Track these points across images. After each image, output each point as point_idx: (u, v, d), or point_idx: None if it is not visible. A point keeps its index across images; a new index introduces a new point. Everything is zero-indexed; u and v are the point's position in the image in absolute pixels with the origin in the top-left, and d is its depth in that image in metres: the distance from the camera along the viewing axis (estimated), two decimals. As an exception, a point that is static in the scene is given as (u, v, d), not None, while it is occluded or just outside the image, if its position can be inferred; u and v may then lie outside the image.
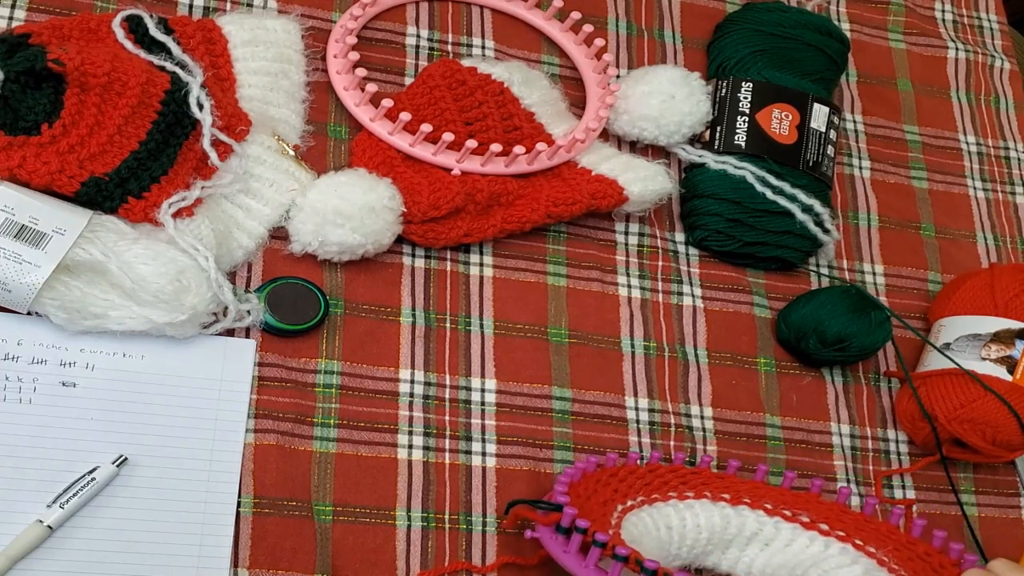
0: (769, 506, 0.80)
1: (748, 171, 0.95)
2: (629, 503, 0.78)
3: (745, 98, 0.98)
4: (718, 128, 0.98)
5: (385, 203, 0.83)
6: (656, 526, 0.78)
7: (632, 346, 0.92)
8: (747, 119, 0.97)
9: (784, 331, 0.95)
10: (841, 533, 0.81)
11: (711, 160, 0.97)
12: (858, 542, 0.80)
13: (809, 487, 0.80)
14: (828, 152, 0.99)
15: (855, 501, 0.91)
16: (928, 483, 0.95)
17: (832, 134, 1.00)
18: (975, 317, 0.95)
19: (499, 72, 0.92)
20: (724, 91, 0.99)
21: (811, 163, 0.98)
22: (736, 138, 0.97)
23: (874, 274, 1.03)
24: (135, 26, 0.84)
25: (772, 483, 0.88)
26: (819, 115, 0.98)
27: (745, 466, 0.89)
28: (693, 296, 0.96)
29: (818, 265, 1.01)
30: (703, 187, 0.97)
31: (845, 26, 1.15)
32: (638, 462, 0.85)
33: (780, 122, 0.97)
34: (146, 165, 0.80)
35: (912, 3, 1.20)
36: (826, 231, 0.97)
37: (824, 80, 1.02)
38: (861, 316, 0.92)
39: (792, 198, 0.95)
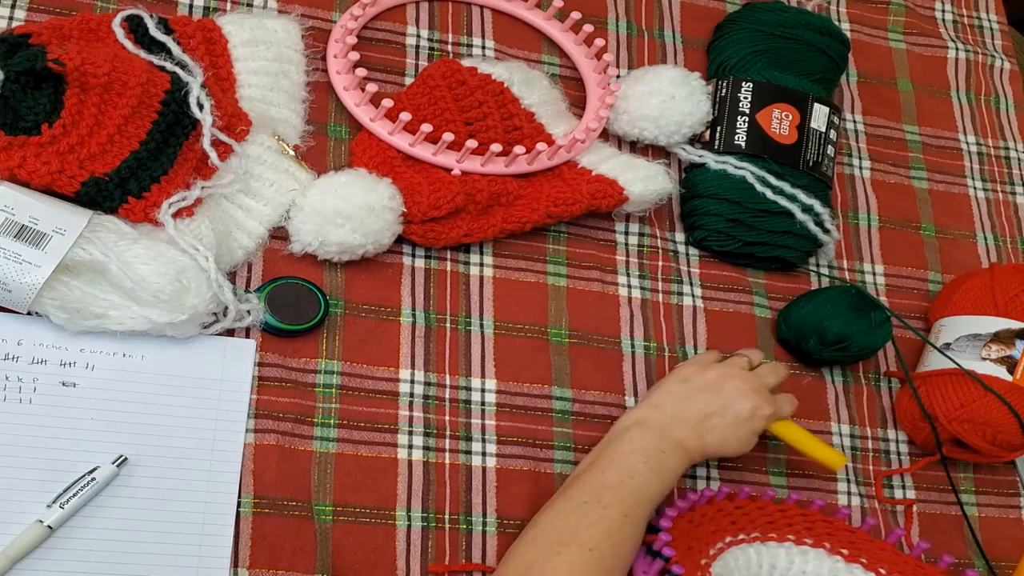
0: (883, 571, 0.80)
1: (748, 171, 0.95)
2: (741, 536, 0.79)
3: (745, 98, 0.98)
4: (718, 128, 0.98)
5: (385, 203, 0.83)
6: (760, 563, 0.79)
7: (632, 346, 0.92)
8: (747, 119, 0.97)
9: (784, 331, 0.95)
10: None
11: (711, 160, 0.97)
12: None
13: (937, 562, 0.81)
14: (828, 152, 0.99)
15: (856, 502, 0.92)
16: (928, 483, 0.95)
17: (832, 134, 1.00)
18: (975, 317, 0.95)
19: (499, 72, 0.92)
20: (724, 91, 0.99)
21: (811, 163, 0.98)
22: (736, 138, 0.97)
23: (874, 274, 1.03)
24: (135, 26, 0.84)
25: (775, 483, 0.88)
26: (819, 115, 0.98)
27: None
28: (693, 296, 0.96)
29: (818, 265, 1.01)
30: (703, 187, 0.97)
31: (845, 26, 1.15)
32: (773, 499, 0.85)
33: (780, 122, 0.97)
34: (146, 165, 0.80)
35: (912, 3, 1.20)
36: (826, 231, 0.97)
37: (824, 80, 1.02)
38: (861, 316, 0.92)
39: (792, 198, 0.95)
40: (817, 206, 0.96)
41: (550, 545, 0.73)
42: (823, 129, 0.99)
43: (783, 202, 0.95)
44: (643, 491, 0.77)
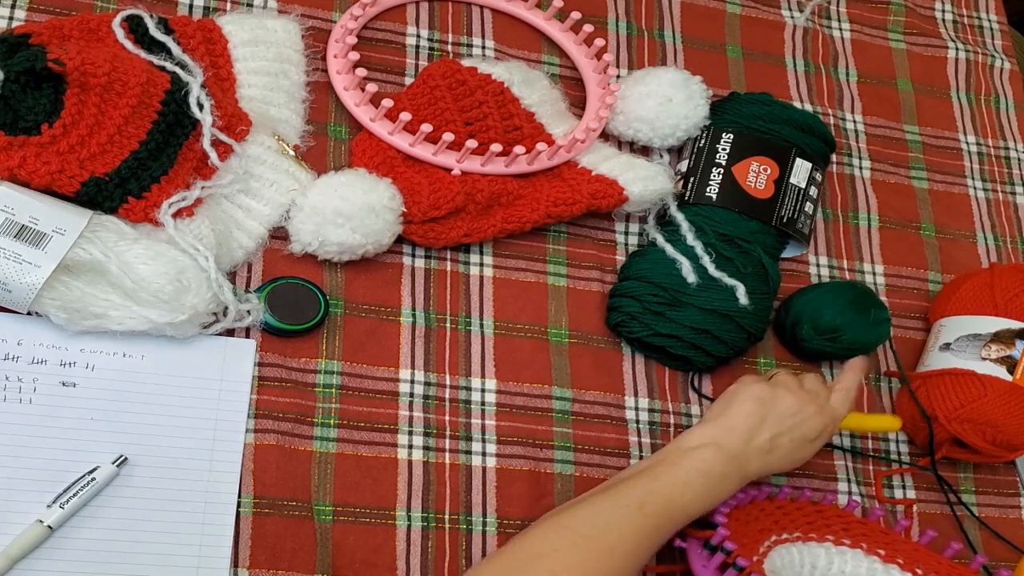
0: (920, 571, 0.80)
1: (686, 260, 0.90)
2: (784, 536, 0.79)
3: (724, 149, 0.94)
4: (691, 179, 0.95)
5: (385, 203, 0.83)
6: (802, 563, 0.79)
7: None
8: (722, 171, 0.94)
9: (782, 316, 0.95)
10: None
11: (660, 239, 0.92)
12: None
13: (971, 563, 0.81)
14: (806, 209, 0.95)
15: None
16: (928, 483, 0.95)
17: (812, 191, 0.96)
18: (975, 317, 0.95)
19: (499, 72, 0.92)
20: (703, 142, 0.96)
21: (785, 219, 0.94)
22: (708, 190, 0.94)
23: (874, 274, 1.03)
24: (135, 26, 0.84)
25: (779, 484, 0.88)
26: (800, 171, 0.94)
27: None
28: (693, 296, 0.96)
29: (818, 265, 1.01)
30: (634, 269, 0.92)
31: (845, 26, 1.15)
32: (811, 500, 0.86)
33: (757, 175, 0.93)
34: (146, 165, 0.80)
35: (912, 3, 1.20)
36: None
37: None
38: (859, 311, 0.92)
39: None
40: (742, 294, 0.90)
41: (573, 537, 0.71)
42: (803, 185, 0.95)
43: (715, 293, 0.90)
44: (688, 508, 0.75)
